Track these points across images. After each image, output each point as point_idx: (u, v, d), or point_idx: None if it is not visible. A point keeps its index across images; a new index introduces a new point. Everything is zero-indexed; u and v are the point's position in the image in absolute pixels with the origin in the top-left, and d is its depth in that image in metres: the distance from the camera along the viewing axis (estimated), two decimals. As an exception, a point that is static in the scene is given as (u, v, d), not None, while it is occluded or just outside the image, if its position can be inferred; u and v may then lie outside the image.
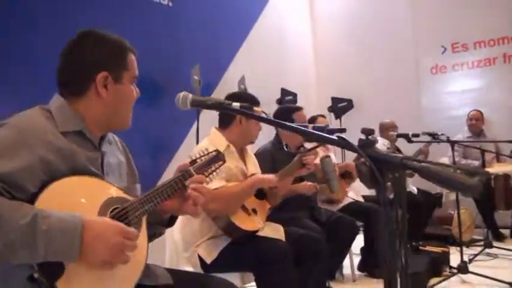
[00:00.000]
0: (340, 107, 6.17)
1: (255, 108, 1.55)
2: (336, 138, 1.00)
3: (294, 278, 2.22)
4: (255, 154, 2.92)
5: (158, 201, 1.41)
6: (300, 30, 6.67)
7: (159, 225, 1.58)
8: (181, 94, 1.48)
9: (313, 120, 4.14)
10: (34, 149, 1.24)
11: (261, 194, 2.45)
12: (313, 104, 6.38)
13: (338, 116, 6.20)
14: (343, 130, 3.14)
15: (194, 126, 3.97)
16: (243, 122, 2.49)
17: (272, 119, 1.32)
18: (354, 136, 3.32)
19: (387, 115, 5.22)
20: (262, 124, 2.43)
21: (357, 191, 4.37)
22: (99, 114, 1.43)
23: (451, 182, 0.79)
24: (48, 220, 1.13)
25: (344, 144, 0.94)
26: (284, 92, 5.29)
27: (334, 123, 5.94)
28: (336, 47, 6.83)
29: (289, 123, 1.24)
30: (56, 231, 1.13)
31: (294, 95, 5.30)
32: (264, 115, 1.49)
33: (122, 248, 1.22)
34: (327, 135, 1.06)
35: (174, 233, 2.51)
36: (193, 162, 1.55)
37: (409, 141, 3.72)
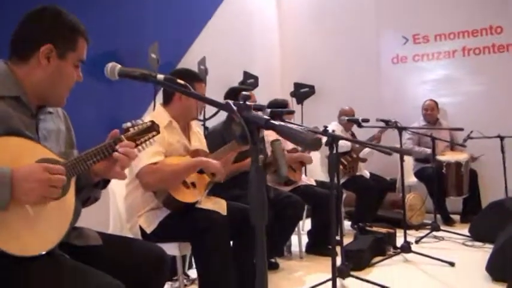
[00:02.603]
0: (302, 92, 6.28)
1: (178, 81, 1.63)
2: (223, 103, 1.10)
3: (228, 249, 2.32)
4: (206, 134, 3.01)
5: (87, 165, 1.48)
6: (266, 15, 6.73)
7: (92, 187, 1.65)
8: (110, 64, 1.55)
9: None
10: None
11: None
12: (276, 88, 6.48)
13: (300, 102, 6.31)
14: (291, 112, 3.26)
15: (152, 105, 4.02)
16: (182, 98, 2.55)
17: (182, 89, 1.40)
18: (313, 121, 3.42)
19: (348, 102, 5.35)
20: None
21: (310, 175, 4.51)
22: (36, 83, 1.51)
23: (297, 137, 0.91)
24: None
25: (227, 108, 1.04)
26: (246, 75, 5.36)
27: (295, 109, 6.04)
28: (300, 33, 6.94)
29: (196, 92, 1.32)
30: None
31: (256, 78, 5.37)
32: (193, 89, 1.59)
33: (50, 182, 1.30)
34: (218, 101, 1.16)
35: (118, 204, 2.59)
36: (126, 131, 1.61)
37: (359, 126, 3.84)
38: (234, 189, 3.09)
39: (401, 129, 3.95)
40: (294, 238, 3.94)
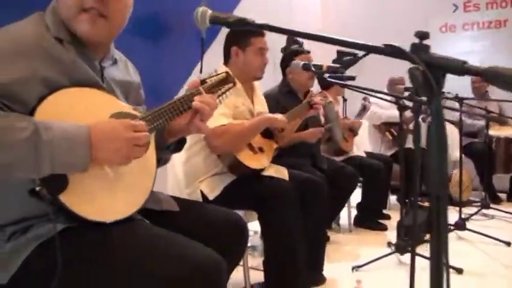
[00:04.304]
0: (345, 60, 6.02)
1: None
2: (383, 46, 0.90)
3: (298, 217, 2.17)
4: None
5: (168, 118, 1.33)
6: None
7: (164, 150, 1.51)
8: (201, 9, 1.38)
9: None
10: (31, 59, 1.14)
11: (268, 134, 2.38)
12: (317, 55, 6.23)
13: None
14: (352, 78, 3.05)
15: (197, 67, 3.84)
16: (239, 55, 2.40)
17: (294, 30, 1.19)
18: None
19: (393, 71, 5.10)
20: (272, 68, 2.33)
21: (359, 147, 4.32)
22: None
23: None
24: (50, 131, 1.06)
25: (393, 51, 0.85)
26: (290, 40, 5.13)
27: (337, 77, 5.83)
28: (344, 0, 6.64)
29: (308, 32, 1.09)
30: (61, 141, 1.06)
31: (300, 44, 5.14)
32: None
33: (135, 141, 1.16)
34: (371, 45, 0.96)
35: (176, 169, 2.46)
36: (203, 82, 1.47)
37: (416, 95, 3.63)
38: (290, 157, 2.94)
39: (461, 100, 3.73)
40: (342, 211, 3.80)
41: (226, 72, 1.55)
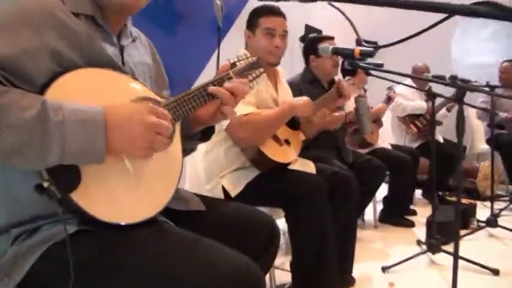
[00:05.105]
0: (372, 47, 5.81)
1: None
2: (473, 5, 0.70)
3: (328, 215, 1.99)
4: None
5: (195, 105, 1.18)
6: (326, -35, 6.22)
7: (189, 138, 1.35)
8: None
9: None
10: (40, 29, 0.97)
11: (294, 124, 2.20)
12: (337, 44, 6.02)
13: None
14: (380, 65, 2.85)
15: (214, 55, 3.68)
16: (251, 38, 2.21)
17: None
18: (379, 80, 2.87)
19: (414, 61, 4.89)
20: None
21: (384, 139, 4.12)
22: None
23: None
24: (60, 112, 0.88)
25: (489, 10, 0.64)
26: (308, 28, 4.94)
27: (357, 67, 5.63)
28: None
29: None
30: (73, 124, 0.89)
31: (319, 32, 4.95)
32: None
33: (156, 128, 0.99)
34: (457, 5, 0.75)
35: (196, 164, 2.29)
36: (233, 65, 1.32)
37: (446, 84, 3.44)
38: (315, 150, 2.76)
39: (493, 89, 3.54)
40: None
41: (257, 58, 1.38)
